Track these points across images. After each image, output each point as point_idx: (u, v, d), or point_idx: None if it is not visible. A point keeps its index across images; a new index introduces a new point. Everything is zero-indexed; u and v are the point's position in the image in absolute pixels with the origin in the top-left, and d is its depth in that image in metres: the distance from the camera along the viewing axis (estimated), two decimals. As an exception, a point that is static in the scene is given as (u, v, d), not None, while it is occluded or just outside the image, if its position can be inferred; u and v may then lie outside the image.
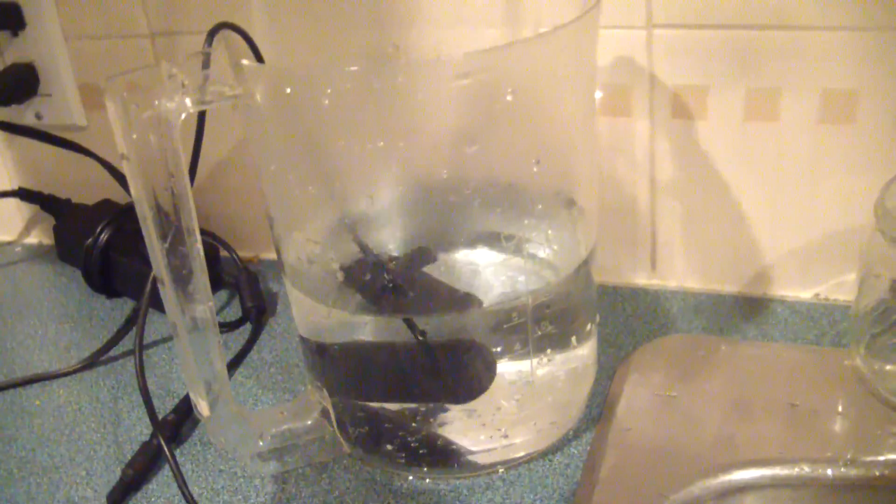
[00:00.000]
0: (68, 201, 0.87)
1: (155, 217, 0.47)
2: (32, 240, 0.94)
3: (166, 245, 0.48)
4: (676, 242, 0.72)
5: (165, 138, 0.46)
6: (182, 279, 0.49)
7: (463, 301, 0.53)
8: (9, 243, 0.94)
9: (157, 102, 0.45)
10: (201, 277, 0.49)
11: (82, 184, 0.86)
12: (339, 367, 0.56)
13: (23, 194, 0.88)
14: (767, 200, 0.68)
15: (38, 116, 0.86)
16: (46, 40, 0.82)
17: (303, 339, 0.59)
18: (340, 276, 0.53)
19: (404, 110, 0.48)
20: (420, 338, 0.52)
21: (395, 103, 0.48)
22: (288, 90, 0.47)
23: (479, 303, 0.53)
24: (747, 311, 0.70)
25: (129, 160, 0.46)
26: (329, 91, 0.46)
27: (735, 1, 0.62)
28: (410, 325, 0.52)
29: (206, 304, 0.50)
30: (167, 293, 0.49)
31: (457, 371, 0.54)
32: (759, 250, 0.70)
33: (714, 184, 0.69)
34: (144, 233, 0.48)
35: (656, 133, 0.69)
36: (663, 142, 0.69)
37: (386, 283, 0.53)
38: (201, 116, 0.52)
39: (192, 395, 0.53)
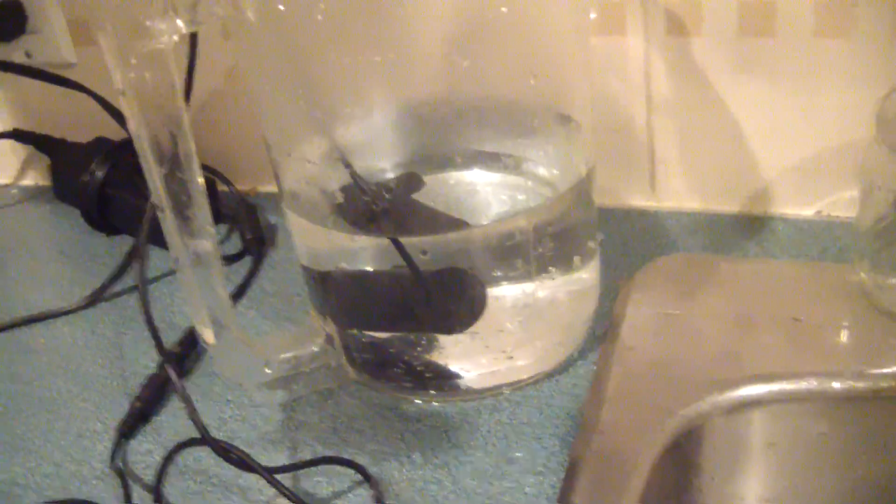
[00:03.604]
0: (62, 140, 0.86)
1: (153, 147, 0.47)
2: (29, 181, 0.93)
3: (164, 171, 0.48)
4: (674, 162, 0.72)
5: (160, 66, 0.45)
6: (182, 205, 0.49)
7: (450, 224, 0.53)
8: (5, 186, 0.93)
9: (148, 24, 0.44)
10: (201, 204, 0.49)
11: (76, 122, 0.85)
12: (341, 294, 0.56)
13: (17, 135, 0.87)
14: (765, 117, 0.68)
15: (28, 55, 0.85)
16: (33, -24, 0.81)
17: (304, 267, 0.58)
18: (339, 196, 0.52)
19: (397, 23, 0.48)
20: (410, 263, 0.51)
21: (388, 16, 0.47)
22: (281, 7, 0.46)
23: (465, 224, 0.53)
24: (748, 229, 0.70)
25: (126, 94, 0.45)
26: (322, 7, 0.45)
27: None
28: (400, 248, 0.51)
29: (207, 230, 0.50)
30: (167, 221, 0.49)
31: (446, 302, 0.54)
32: (758, 168, 0.70)
33: (711, 101, 0.68)
34: (142, 162, 0.48)
35: (651, 51, 0.68)
36: (658, 60, 0.68)
37: (373, 208, 0.52)
38: (193, 41, 0.52)
39: (196, 324, 0.53)
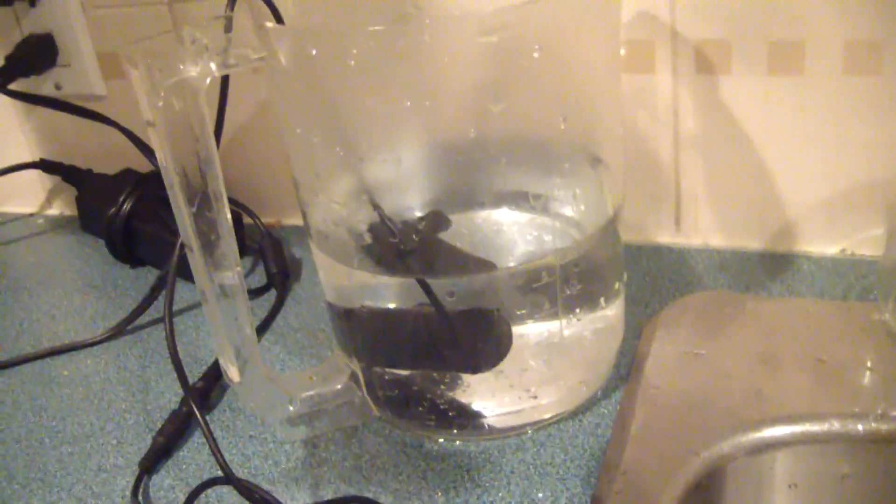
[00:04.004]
0: (89, 171, 0.87)
1: (182, 183, 0.47)
2: (54, 211, 0.94)
3: (194, 210, 0.48)
4: (701, 199, 0.72)
5: (191, 103, 0.46)
6: (210, 244, 0.49)
7: (478, 265, 0.53)
8: (31, 215, 0.94)
9: (181, 67, 0.45)
10: (229, 242, 0.49)
11: (103, 153, 0.86)
12: (366, 331, 0.56)
13: (44, 166, 0.88)
14: (792, 154, 0.68)
15: (58, 87, 0.86)
16: (64, 10, 0.82)
17: (329, 304, 0.59)
18: (367, 237, 0.52)
19: (429, 69, 0.48)
20: (436, 302, 0.52)
21: (420, 62, 0.47)
22: (313, 52, 0.47)
23: (493, 266, 0.53)
24: (773, 267, 0.70)
25: (156, 126, 0.46)
26: (354, 52, 0.45)
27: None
28: (425, 288, 0.51)
29: (234, 269, 0.50)
30: (195, 259, 0.49)
31: (472, 341, 0.54)
32: (783, 205, 0.70)
33: (738, 139, 0.68)
34: (171, 199, 0.48)
35: (679, 88, 0.68)
36: (687, 97, 0.68)
37: (401, 248, 0.52)
38: (225, 81, 0.52)
39: (221, 361, 0.53)
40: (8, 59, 0.82)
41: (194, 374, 0.65)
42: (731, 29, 0.65)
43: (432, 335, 0.55)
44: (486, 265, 0.53)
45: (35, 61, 0.84)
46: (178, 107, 0.46)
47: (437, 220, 0.53)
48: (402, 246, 0.52)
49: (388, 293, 0.56)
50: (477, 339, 0.54)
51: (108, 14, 0.81)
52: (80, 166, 0.88)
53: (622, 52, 0.67)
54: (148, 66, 0.45)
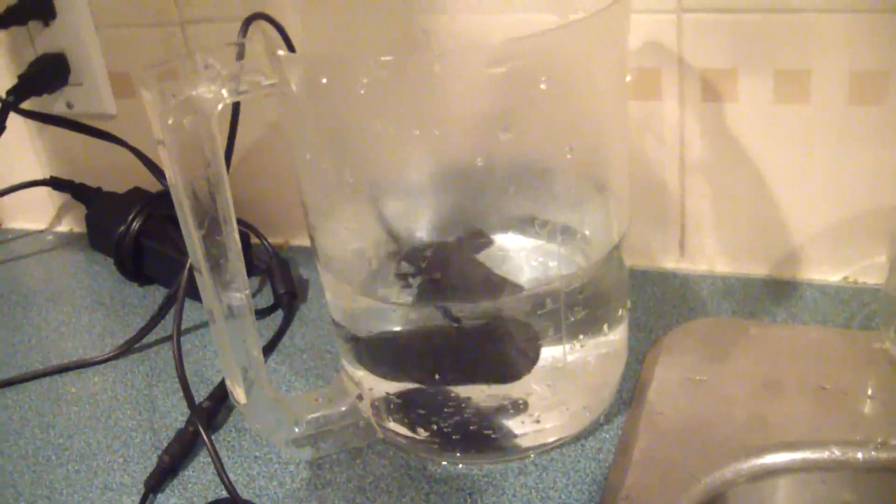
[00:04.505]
0: (99, 189, 0.87)
1: (192, 206, 0.48)
2: (63, 228, 0.95)
3: (203, 233, 0.49)
4: (705, 225, 0.72)
5: (202, 128, 0.47)
6: (219, 267, 0.50)
7: (506, 287, 0.54)
8: (40, 231, 0.95)
9: (194, 93, 0.46)
10: (238, 265, 0.50)
11: (113, 172, 0.86)
12: (375, 352, 0.57)
13: (54, 183, 0.89)
14: (797, 182, 0.68)
15: (69, 105, 0.86)
16: (77, 30, 0.83)
17: (336, 325, 0.59)
18: (374, 263, 0.53)
19: (439, 98, 0.49)
20: (455, 324, 0.52)
21: (429, 91, 0.48)
22: (324, 80, 0.47)
23: (521, 289, 0.53)
24: (776, 293, 0.70)
25: (166, 149, 0.46)
26: (364, 81, 0.46)
27: (762, -16, 0.62)
28: (446, 313, 0.52)
29: (242, 291, 0.51)
30: (204, 281, 0.50)
31: (500, 351, 0.54)
32: (787, 232, 0.70)
33: (743, 165, 0.69)
34: (181, 221, 0.49)
35: (686, 115, 0.69)
36: (693, 124, 0.69)
37: (426, 277, 0.53)
38: (236, 106, 0.53)
39: (228, 383, 0.54)
40: (21, 78, 0.83)
41: (201, 394, 0.65)
42: (737, 57, 0.65)
43: (460, 350, 0.55)
44: (516, 288, 0.54)
45: (48, 80, 0.85)
46: (189, 131, 0.46)
47: (475, 239, 0.54)
48: (425, 274, 0.52)
49: (396, 315, 0.56)
50: (508, 347, 0.54)
51: (120, 34, 0.82)
52: (90, 184, 0.88)
53: (628, 77, 0.68)
54: (161, 90, 0.45)
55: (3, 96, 0.82)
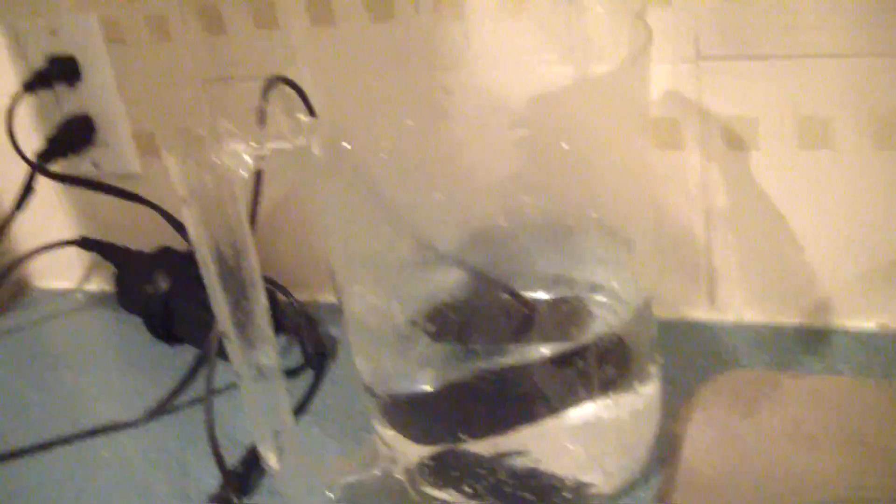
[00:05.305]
0: (127, 249, 0.88)
1: (217, 270, 0.48)
2: (93, 287, 0.95)
3: (229, 297, 0.49)
4: (734, 274, 0.71)
5: (226, 194, 0.47)
6: (247, 332, 0.49)
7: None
8: (71, 290, 0.95)
9: (217, 162, 0.46)
10: (265, 329, 0.50)
11: (141, 230, 0.87)
12: (404, 414, 0.57)
13: (83, 243, 0.89)
14: (825, 228, 0.67)
15: (95, 165, 0.87)
16: (102, 91, 0.84)
17: (366, 387, 0.59)
18: (430, 327, 0.53)
19: (461, 161, 0.48)
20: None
21: (451, 155, 0.48)
22: (346, 145, 0.47)
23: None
24: (809, 342, 0.69)
25: (190, 216, 0.47)
26: (384, 145, 0.46)
27: (782, 30, 0.62)
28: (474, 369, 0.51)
29: (270, 355, 0.51)
30: (232, 346, 0.50)
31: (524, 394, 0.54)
32: (818, 279, 0.69)
33: (770, 213, 0.68)
34: (207, 286, 0.49)
35: (709, 165, 0.68)
36: (716, 173, 0.68)
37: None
38: (258, 171, 0.53)
39: (260, 448, 0.53)
40: (49, 140, 0.84)
41: (232, 455, 0.65)
42: (758, 105, 0.65)
43: (487, 403, 0.54)
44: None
45: (74, 142, 0.86)
46: (212, 196, 0.46)
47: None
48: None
49: (426, 375, 0.56)
50: (575, 384, 0.53)
51: (143, 93, 0.83)
52: (118, 243, 0.88)
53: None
54: (185, 155, 0.46)
55: (31, 158, 0.83)
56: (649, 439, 0.60)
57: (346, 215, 0.52)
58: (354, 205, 0.51)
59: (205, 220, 0.47)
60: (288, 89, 0.52)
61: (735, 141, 0.67)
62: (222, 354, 0.51)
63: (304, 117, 0.48)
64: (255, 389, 0.51)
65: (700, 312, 0.74)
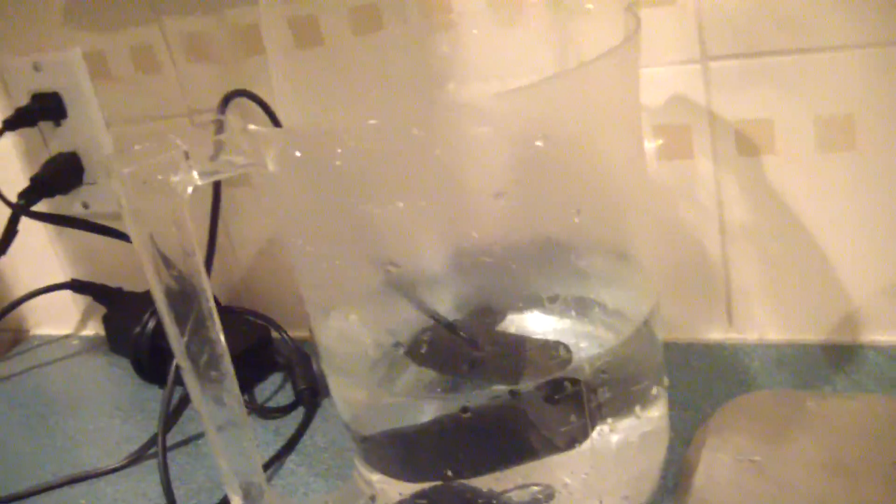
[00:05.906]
0: (119, 290, 0.85)
1: (167, 302, 0.44)
2: (88, 331, 0.93)
3: (185, 326, 0.45)
4: (753, 291, 0.67)
5: (177, 212, 0.43)
6: (205, 370, 0.46)
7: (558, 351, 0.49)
8: (65, 336, 0.93)
9: (160, 177, 0.42)
10: (226, 366, 0.46)
11: (134, 270, 0.83)
12: (384, 451, 0.53)
13: (75, 286, 0.87)
14: (849, 236, 0.63)
15: (85, 206, 0.85)
16: (88, 128, 0.82)
17: (345, 424, 0.55)
18: (420, 357, 0.49)
19: (424, 166, 0.44)
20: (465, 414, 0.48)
21: (413, 159, 0.44)
22: (297, 154, 0.43)
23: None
24: (835, 360, 0.64)
25: (135, 238, 0.43)
26: (339, 151, 0.42)
27: (793, 23, 0.58)
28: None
29: (233, 394, 0.47)
30: (190, 386, 0.46)
31: (515, 433, 0.50)
32: (844, 292, 0.65)
33: (790, 223, 0.64)
34: (162, 319, 0.45)
35: (721, 173, 0.64)
36: (730, 182, 0.64)
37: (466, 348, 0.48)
38: (217, 188, 0.49)
39: (227, 490, 0.49)
40: (33, 180, 0.81)
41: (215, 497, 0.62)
42: (772, 105, 0.61)
43: (472, 440, 0.50)
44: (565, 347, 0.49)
45: (62, 181, 0.83)
46: (160, 217, 0.43)
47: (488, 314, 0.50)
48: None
49: (404, 409, 0.52)
50: (567, 411, 0.49)
51: (130, 129, 0.80)
52: (111, 284, 0.86)
53: (660, 140, 0.64)
54: (129, 175, 0.42)
55: (15, 200, 0.80)
56: (656, 468, 0.55)
57: (308, 234, 0.48)
58: (314, 221, 0.47)
59: (151, 245, 0.44)
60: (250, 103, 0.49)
61: (748, 146, 0.63)
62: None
63: (253, 127, 0.44)
64: (217, 435, 0.47)
65: (718, 332, 0.69)
